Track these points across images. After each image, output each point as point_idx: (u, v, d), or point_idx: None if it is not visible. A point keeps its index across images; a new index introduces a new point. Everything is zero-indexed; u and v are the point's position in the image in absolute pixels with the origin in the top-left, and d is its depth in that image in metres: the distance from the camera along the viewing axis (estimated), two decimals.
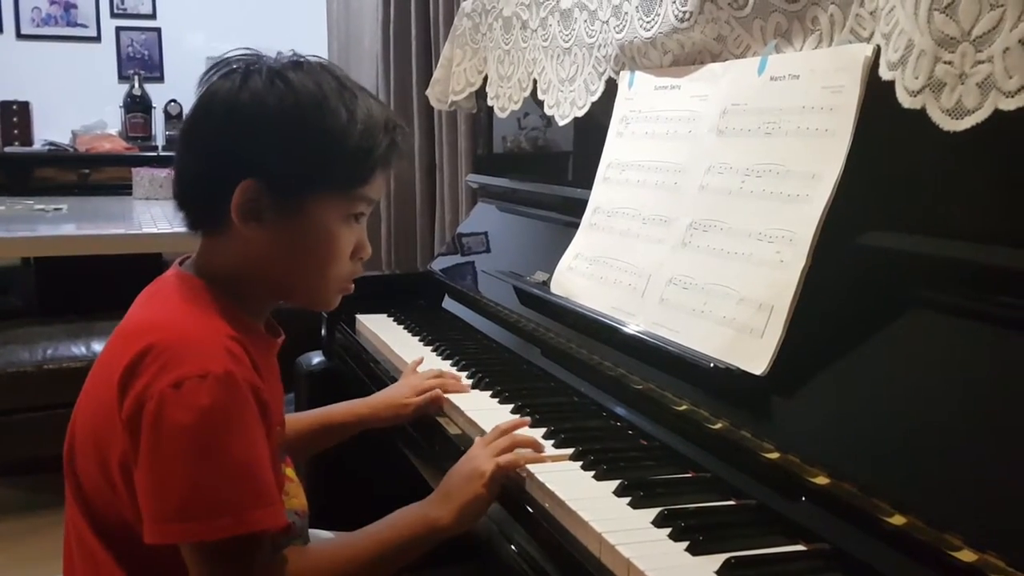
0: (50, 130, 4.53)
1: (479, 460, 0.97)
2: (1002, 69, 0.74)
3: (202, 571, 0.81)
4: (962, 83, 0.77)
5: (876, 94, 0.91)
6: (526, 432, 1.03)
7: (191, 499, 0.78)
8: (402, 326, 1.64)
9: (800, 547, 0.79)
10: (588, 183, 1.40)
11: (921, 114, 0.81)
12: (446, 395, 1.22)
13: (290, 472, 1.02)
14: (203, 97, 0.90)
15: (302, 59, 0.92)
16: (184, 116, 0.93)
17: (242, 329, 0.87)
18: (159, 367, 0.80)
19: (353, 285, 0.97)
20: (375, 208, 3.21)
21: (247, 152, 0.87)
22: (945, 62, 0.79)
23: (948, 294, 0.82)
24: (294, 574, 0.85)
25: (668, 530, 0.81)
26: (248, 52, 0.91)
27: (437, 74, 2.03)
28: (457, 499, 0.95)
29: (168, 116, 4.69)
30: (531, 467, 0.96)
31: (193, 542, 0.80)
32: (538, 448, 1.00)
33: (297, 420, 1.22)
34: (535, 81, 1.64)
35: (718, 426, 0.95)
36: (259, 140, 0.87)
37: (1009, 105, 0.73)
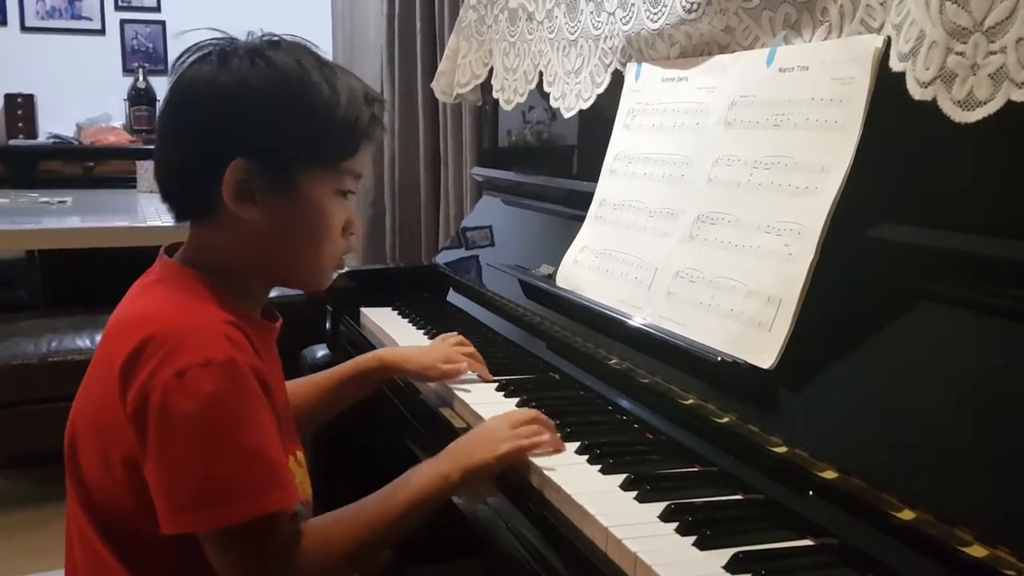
0: (55, 123, 4.53)
1: (501, 433, 0.96)
2: (1015, 60, 0.73)
3: (221, 556, 0.81)
4: (974, 74, 0.77)
5: (886, 86, 0.90)
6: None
7: (204, 487, 0.78)
8: (407, 319, 1.63)
9: (808, 542, 0.79)
10: (594, 176, 1.39)
11: (932, 106, 0.81)
12: (462, 395, 1.21)
13: (300, 456, 1.01)
14: (180, 83, 0.89)
15: (277, 38, 0.92)
16: (160, 105, 0.92)
17: (239, 315, 0.87)
18: (160, 358, 0.79)
19: (345, 263, 0.97)
20: (379, 200, 3.21)
21: (234, 132, 0.87)
22: (957, 53, 0.78)
23: (958, 288, 0.82)
24: (306, 547, 0.84)
25: (675, 524, 0.81)
26: (220, 36, 0.91)
27: (442, 66, 2.02)
28: (468, 459, 0.94)
29: None
30: (537, 461, 0.95)
31: (210, 529, 0.80)
32: (560, 447, 0.99)
33: (324, 376, 1.22)
34: (541, 73, 1.64)
35: (725, 420, 0.95)
36: (246, 119, 0.87)
37: (1022, 96, 0.73)
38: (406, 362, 1.26)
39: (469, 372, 1.26)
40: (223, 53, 0.88)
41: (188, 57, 0.90)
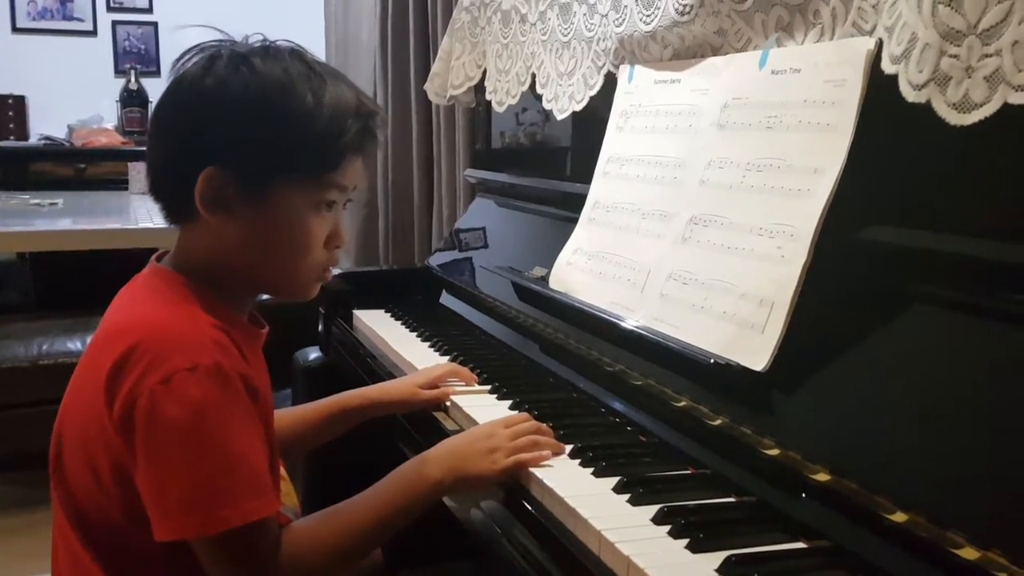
0: (46, 124, 4.51)
1: (503, 443, 0.94)
2: (1011, 63, 0.73)
3: (211, 562, 0.81)
4: (969, 77, 0.77)
5: (879, 88, 0.90)
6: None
7: (191, 493, 0.78)
8: (399, 322, 1.63)
9: (801, 544, 0.78)
10: (587, 178, 1.39)
11: (925, 108, 0.81)
12: (454, 396, 1.20)
13: (281, 471, 1.01)
14: (172, 84, 0.89)
15: (271, 44, 0.90)
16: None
17: (224, 320, 0.86)
18: (146, 365, 0.78)
19: (331, 274, 0.95)
20: (372, 202, 3.19)
21: (209, 139, 0.85)
22: (951, 55, 0.78)
23: (950, 290, 0.82)
24: (293, 550, 0.84)
25: (668, 527, 0.81)
26: (220, 38, 0.90)
27: (435, 68, 2.02)
28: (465, 467, 0.93)
29: None
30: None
31: (198, 536, 0.79)
32: (558, 450, 0.98)
33: (310, 409, 1.21)
34: (534, 75, 1.64)
35: (718, 422, 0.94)
36: (221, 127, 0.85)
37: (1019, 99, 0.72)
38: (385, 394, 1.23)
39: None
40: (211, 57, 0.87)
41: (188, 58, 0.89)
